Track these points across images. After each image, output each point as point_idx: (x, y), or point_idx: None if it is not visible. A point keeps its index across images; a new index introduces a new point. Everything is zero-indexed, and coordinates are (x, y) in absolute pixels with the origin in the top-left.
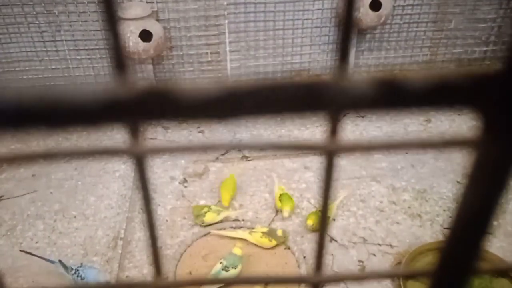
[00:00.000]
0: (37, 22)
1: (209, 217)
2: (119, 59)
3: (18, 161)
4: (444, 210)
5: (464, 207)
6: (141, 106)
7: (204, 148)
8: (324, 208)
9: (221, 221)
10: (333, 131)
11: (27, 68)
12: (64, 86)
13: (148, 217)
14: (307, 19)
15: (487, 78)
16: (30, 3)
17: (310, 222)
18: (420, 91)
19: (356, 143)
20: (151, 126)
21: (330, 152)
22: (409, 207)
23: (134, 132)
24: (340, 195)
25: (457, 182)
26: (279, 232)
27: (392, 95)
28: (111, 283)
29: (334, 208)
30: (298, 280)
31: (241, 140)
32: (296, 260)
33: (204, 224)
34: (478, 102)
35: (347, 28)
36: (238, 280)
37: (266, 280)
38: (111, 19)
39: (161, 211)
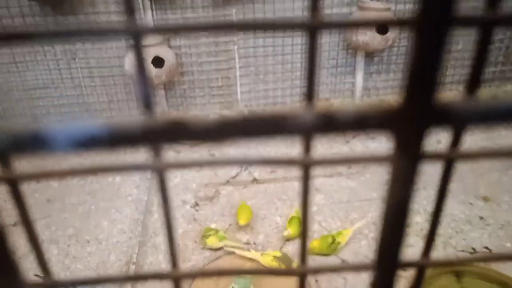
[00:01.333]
0: (53, 50)
1: (211, 241)
2: (147, 96)
3: (51, 176)
4: (457, 232)
5: (386, 209)
6: (165, 132)
7: (216, 164)
8: (304, 209)
9: (223, 247)
10: (307, 149)
11: (43, 95)
12: (120, 119)
13: (166, 219)
14: None
15: (395, 109)
16: None
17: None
18: (347, 119)
19: (324, 158)
20: (170, 147)
21: (305, 165)
22: (421, 230)
23: (157, 151)
24: (359, 222)
25: (470, 203)
26: (294, 264)
27: (328, 123)
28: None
29: (350, 233)
30: (285, 272)
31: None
32: (308, 283)
33: (206, 247)
34: (389, 128)
35: (311, 66)
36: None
37: (255, 272)
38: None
39: None
